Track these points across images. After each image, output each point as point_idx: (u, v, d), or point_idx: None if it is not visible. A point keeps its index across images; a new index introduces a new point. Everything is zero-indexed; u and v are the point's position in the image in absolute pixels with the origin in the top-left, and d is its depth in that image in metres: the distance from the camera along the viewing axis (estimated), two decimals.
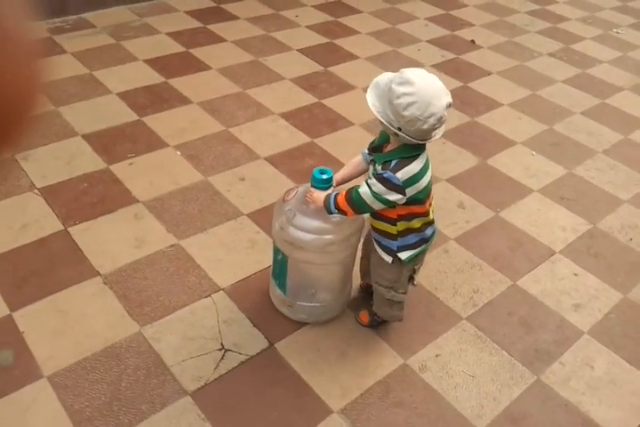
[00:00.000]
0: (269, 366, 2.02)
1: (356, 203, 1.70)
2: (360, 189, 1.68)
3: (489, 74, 4.07)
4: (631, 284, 2.54)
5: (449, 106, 1.53)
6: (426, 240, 1.87)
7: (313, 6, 4.72)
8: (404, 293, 2.00)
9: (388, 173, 1.62)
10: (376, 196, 1.65)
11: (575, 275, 2.55)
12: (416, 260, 1.91)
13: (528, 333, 2.26)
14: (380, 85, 1.57)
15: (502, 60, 4.29)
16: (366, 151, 1.82)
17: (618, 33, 5.00)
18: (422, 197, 1.72)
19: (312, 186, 1.82)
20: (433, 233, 1.90)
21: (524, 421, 1.95)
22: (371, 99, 1.58)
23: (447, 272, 2.47)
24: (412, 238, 1.83)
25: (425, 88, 1.50)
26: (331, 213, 1.77)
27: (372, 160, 1.74)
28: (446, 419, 1.93)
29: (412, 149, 1.65)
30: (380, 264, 1.94)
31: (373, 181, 1.65)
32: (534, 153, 3.31)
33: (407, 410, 1.94)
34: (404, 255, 1.84)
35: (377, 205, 1.69)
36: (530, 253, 2.63)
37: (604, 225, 2.85)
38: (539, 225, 2.79)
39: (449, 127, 3.33)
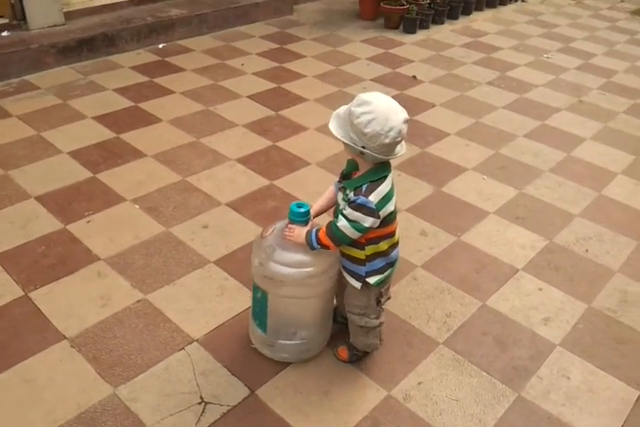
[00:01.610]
0: (253, 414, 1.98)
1: (336, 236, 1.78)
2: (338, 223, 1.76)
3: (433, 106, 4.22)
4: (593, 293, 2.61)
5: (406, 121, 1.66)
6: (392, 264, 1.94)
7: (257, 54, 4.84)
8: (376, 318, 2.02)
9: (361, 199, 1.71)
10: (353, 225, 1.74)
11: (540, 290, 2.61)
12: (383, 283, 1.95)
13: (504, 351, 2.28)
14: (339, 115, 1.71)
15: (444, 92, 4.46)
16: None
17: (548, 58, 5.28)
18: (392, 217, 1.82)
19: (290, 220, 1.88)
20: (397, 256, 1.96)
21: None
22: (333, 126, 1.71)
23: (418, 299, 2.50)
24: (379, 263, 1.89)
25: (381, 105, 1.63)
26: (313, 248, 1.83)
27: (343, 187, 1.82)
28: None
29: (380, 171, 1.76)
30: (349, 292, 1.99)
31: (349, 210, 1.74)
32: (485, 177, 3.42)
33: None
34: (372, 280, 1.90)
35: (356, 235, 1.77)
36: (494, 273, 2.68)
37: (560, 239, 2.94)
38: (499, 245, 2.86)
39: (402, 159, 3.46)
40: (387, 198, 1.75)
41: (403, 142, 1.73)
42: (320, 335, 2.15)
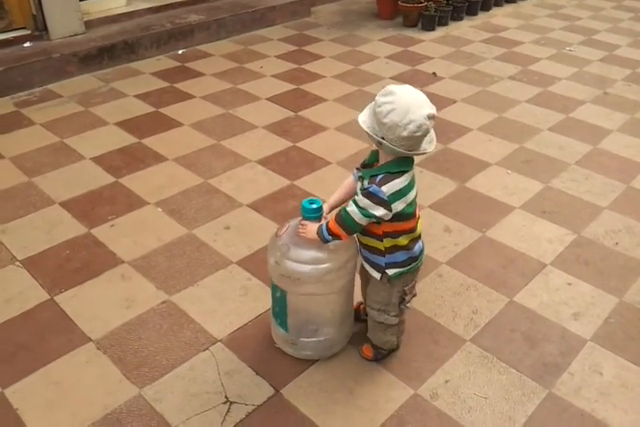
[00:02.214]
0: (278, 413, 1.97)
1: (345, 222, 1.75)
2: (348, 208, 1.75)
3: (454, 102, 4.17)
4: (624, 287, 2.54)
5: (431, 117, 1.61)
6: (415, 259, 1.89)
7: (276, 56, 4.85)
8: (396, 316, 1.98)
9: (373, 187, 1.68)
10: (362, 211, 1.71)
11: (569, 284, 2.54)
12: (405, 279, 1.90)
13: (533, 347, 2.23)
14: (372, 105, 1.67)
15: (465, 87, 4.40)
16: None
17: (571, 51, 5.18)
18: (411, 211, 1.77)
19: (303, 216, 1.87)
20: (421, 251, 1.92)
21: None
22: (363, 115, 1.69)
23: (444, 296, 2.46)
24: (400, 256, 1.85)
25: (405, 97, 1.59)
26: (326, 241, 1.82)
27: (361, 176, 1.80)
28: None
29: (400, 165, 1.72)
30: (371, 284, 1.96)
31: (360, 196, 1.71)
32: (509, 172, 3.36)
33: None
34: (391, 271, 1.86)
35: (365, 221, 1.74)
36: (522, 269, 2.62)
37: (589, 233, 2.87)
38: (526, 240, 2.80)
39: (423, 156, 3.40)
40: (400, 194, 1.70)
41: (431, 139, 1.69)
42: (342, 332, 2.13)
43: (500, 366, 2.15)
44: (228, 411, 1.96)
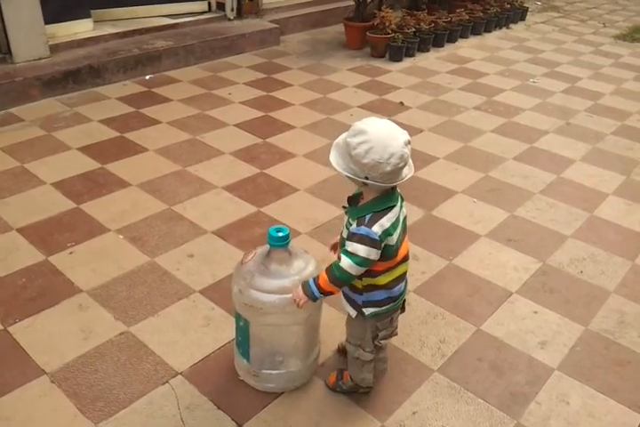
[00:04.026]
0: None
1: (340, 279, 1.69)
2: (341, 264, 1.66)
3: (421, 131, 4.22)
4: (590, 315, 2.55)
5: (408, 143, 1.57)
6: (394, 299, 1.83)
7: (244, 83, 4.86)
8: (370, 352, 1.93)
9: (363, 229, 1.62)
10: (358, 262, 1.64)
11: (535, 313, 2.54)
12: (380, 317, 1.85)
13: (500, 377, 2.21)
14: (339, 144, 1.63)
15: (431, 117, 4.46)
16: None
17: (534, 82, 5.32)
18: (392, 250, 1.71)
19: (270, 245, 1.83)
20: (402, 293, 1.87)
21: None
22: (334, 158, 1.63)
23: (411, 325, 2.43)
24: (378, 295, 1.80)
25: (378, 132, 1.55)
26: (315, 299, 1.75)
27: (346, 212, 1.75)
28: None
29: (385, 201, 1.67)
30: (348, 320, 1.93)
31: (352, 245, 1.64)
32: (475, 200, 3.38)
33: None
34: (367, 311, 1.81)
35: (359, 271, 1.68)
36: (488, 297, 2.62)
37: (554, 261, 2.89)
38: (492, 268, 2.81)
39: None
40: (390, 230, 1.65)
41: (409, 164, 1.64)
42: (305, 364, 2.07)
43: (467, 396, 2.12)
44: None
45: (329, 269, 1.71)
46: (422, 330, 2.41)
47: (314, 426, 1.98)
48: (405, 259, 1.81)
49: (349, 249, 1.65)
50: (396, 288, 1.82)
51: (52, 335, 2.29)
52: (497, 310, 2.55)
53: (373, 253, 1.64)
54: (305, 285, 1.75)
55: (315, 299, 1.75)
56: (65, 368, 2.14)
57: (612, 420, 2.07)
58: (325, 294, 1.73)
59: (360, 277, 1.74)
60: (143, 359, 2.20)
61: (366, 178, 1.59)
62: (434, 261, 2.84)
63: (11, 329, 2.30)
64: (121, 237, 2.88)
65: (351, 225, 1.69)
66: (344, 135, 1.63)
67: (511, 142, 4.12)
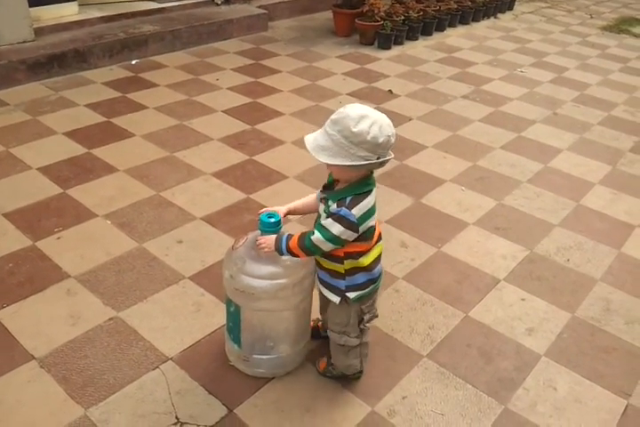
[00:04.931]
0: None
1: (308, 248, 1.72)
2: (312, 236, 1.70)
3: (410, 119, 4.22)
4: (576, 302, 2.59)
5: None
6: (374, 281, 1.86)
7: (232, 69, 4.81)
8: (357, 337, 1.94)
9: (343, 211, 1.64)
10: (329, 238, 1.67)
11: (523, 300, 2.57)
12: (364, 300, 1.87)
13: (488, 363, 2.23)
14: (325, 146, 1.59)
15: (420, 105, 4.46)
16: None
17: (522, 72, 5.34)
18: (371, 232, 1.75)
19: (261, 231, 1.82)
20: (380, 273, 1.89)
21: None
22: (332, 158, 1.59)
23: (400, 312, 2.44)
24: (360, 278, 1.81)
25: (372, 112, 1.60)
26: (282, 254, 1.77)
27: (324, 198, 1.75)
28: None
29: (365, 184, 1.69)
30: (330, 308, 1.92)
31: (328, 221, 1.67)
32: (464, 188, 3.40)
33: None
34: (352, 295, 1.82)
35: (329, 247, 1.71)
36: (476, 284, 2.64)
37: (541, 249, 2.92)
38: (480, 256, 2.83)
39: (380, 171, 3.38)
40: (369, 213, 1.68)
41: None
42: (296, 350, 2.08)
43: (456, 381, 2.14)
44: None
45: (302, 236, 1.73)
46: (411, 316, 2.43)
47: (305, 411, 1.99)
48: (380, 237, 1.84)
49: (323, 223, 1.69)
50: (376, 269, 1.85)
51: (40, 321, 2.27)
52: (485, 296, 2.57)
53: (347, 234, 1.66)
54: (278, 238, 1.77)
55: (280, 253, 1.77)
56: (54, 353, 2.13)
57: (599, 405, 2.10)
58: (292, 254, 1.75)
59: (343, 260, 1.76)
60: (133, 345, 2.19)
61: (378, 158, 1.60)
62: (422, 248, 2.85)
63: None
64: (109, 222, 2.85)
65: (329, 208, 1.71)
66: (319, 137, 1.60)
67: (499, 131, 4.14)
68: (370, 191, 1.70)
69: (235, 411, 1.96)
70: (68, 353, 2.14)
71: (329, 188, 1.79)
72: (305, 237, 1.73)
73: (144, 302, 2.39)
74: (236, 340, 2.01)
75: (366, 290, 1.84)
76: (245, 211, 3.02)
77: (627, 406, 2.11)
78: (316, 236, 1.69)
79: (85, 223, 2.83)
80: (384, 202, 3.17)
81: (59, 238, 2.72)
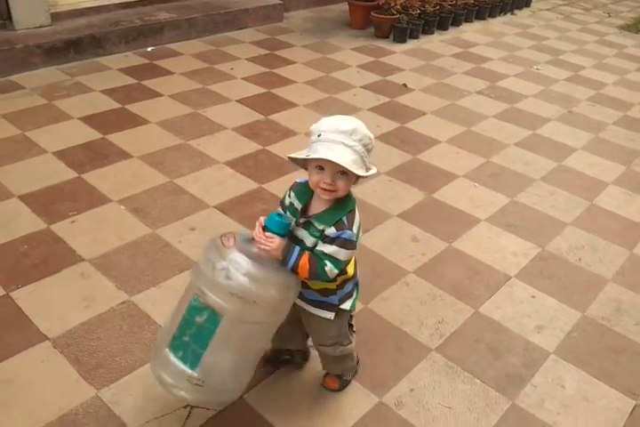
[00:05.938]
0: (241, 419, 1.92)
1: (319, 276, 1.59)
2: (326, 268, 1.57)
3: (424, 114, 4.21)
4: (587, 302, 2.59)
5: None
6: (357, 283, 1.84)
7: (247, 59, 4.81)
8: (350, 342, 1.90)
9: (347, 233, 1.57)
10: (341, 267, 1.61)
11: (533, 297, 2.57)
12: (354, 306, 1.83)
13: (497, 358, 2.24)
14: (357, 152, 1.53)
15: (434, 100, 4.45)
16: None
17: (538, 69, 5.31)
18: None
19: (266, 227, 1.59)
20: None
21: None
22: (363, 172, 1.54)
23: (410, 305, 2.45)
24: (347, 287, 1.78)
25: (352, 119, 1.59)
26: (285, 264, 1.58)
27: (308, 222, 1.62)
28: None
29: (351, 198, 1.64)
30: (319, 325, 1.82)
31: (334, 249, 1.56)
32: (476, 185, 3.40)
33: None
34: (346, 305, 1.78)
35: (336, 273, 1.62)
36: (487, 280, 2.65)
37: (553, 248, 2.91)
38: (491, 252, 2.83)
39: (393, 166, 3.43)
40: (360, 227, 1.65)
41: None
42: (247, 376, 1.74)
43: (464, 376, 2.15)
44: (188, 416, 1.90)
45: (313, 261, 1.57)
46: (421, 310, 2.43)
47: (312, 399, 2.01)
48: None
49: (328, 252, 1.57)
50: (357, 274, 1.81)
51: (54, 302, 2.29)
52: (495, 293, 2.57)
53: (351, 255, 1.63)
54: (289, 247, 1.57)
55: (283, 263, 1.57)
56: (67, 335, 2.15)
57: (606, 404, 2.11)
58: (294, 270, 1.58)
59: (336, 278, 1.68)
60: (145, 328, 2.21)
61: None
62: (434, 242, 2.86)
63: (13, 295, 2.30)
64: (122, 207, 2.87)
65: (319, 232, 1.59)
66: (355, 140, 1.52)
67: (513, 128, 4.12)
68: (354, 206, 1.64)
69: (244, 396, 1.98)
70: (80, 335, 2.16)
71: (304, 211, 1.65)
72: (317, 264, 1.57)
73: (157, 287, 2.41)
74: (195, 359, 1.59)
75: (354, 296, 1.82)
76: (257, 200, 3.03)
77: (635, 406, 2.11)
78: (330, 267, 1.57)
79: (99, 208, 2.85)
80: (396, 196, 3.17)
81: (73, 222, 2.74)
